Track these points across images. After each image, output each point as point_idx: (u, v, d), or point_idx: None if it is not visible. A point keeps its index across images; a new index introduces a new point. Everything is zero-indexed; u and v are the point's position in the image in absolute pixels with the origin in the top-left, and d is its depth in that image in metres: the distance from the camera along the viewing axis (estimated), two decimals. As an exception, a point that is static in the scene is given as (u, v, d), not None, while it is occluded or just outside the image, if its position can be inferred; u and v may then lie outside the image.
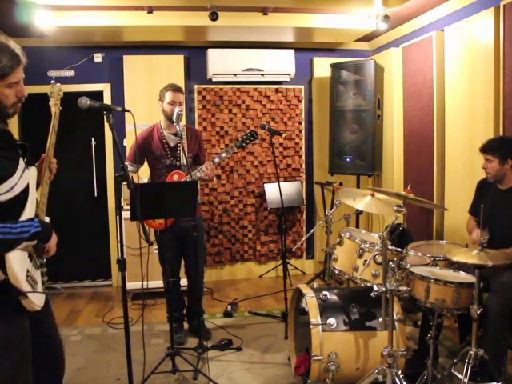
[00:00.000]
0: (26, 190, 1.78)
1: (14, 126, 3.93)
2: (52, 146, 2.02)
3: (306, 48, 5.19)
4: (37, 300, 1.76)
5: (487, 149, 2.85)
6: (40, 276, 1.84)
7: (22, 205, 1.75)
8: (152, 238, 2.97)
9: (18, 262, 1.66)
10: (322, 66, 5.13)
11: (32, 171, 1.89)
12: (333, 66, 4.86)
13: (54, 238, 1.88)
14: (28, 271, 1.72)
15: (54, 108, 2.07)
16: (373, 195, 2.98)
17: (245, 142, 3.41)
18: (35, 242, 1.73)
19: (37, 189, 1.93)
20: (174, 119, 3.18)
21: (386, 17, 4.07)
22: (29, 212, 1.77)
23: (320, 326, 2.54)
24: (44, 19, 3.86)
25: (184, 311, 3.67)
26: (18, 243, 1.64)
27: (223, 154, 3.37)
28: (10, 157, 1.72)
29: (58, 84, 2.12)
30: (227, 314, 4.03)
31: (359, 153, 4.69)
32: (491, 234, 2.56)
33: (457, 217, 3.70)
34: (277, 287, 4.80)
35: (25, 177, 1.77)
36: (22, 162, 1.77)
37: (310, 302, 2.63)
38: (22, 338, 1.77)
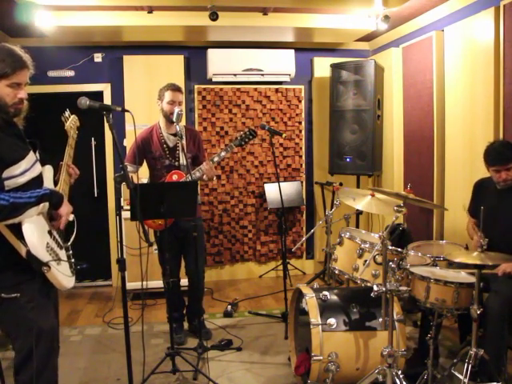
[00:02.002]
0: (39, 178, 1.95)
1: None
2: (70, 157, 2.20)
3: (306, 48, 5.19)
4: (63, 271, 1.92)
5: (507, 159, 2.74)
6: (66, 257, 2.02)
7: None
8: (152, 238, 2.99)
9: (36, 233, 1.81)
10: (322, 66, 5.13)
11: (47, 168, 2.07)
12: (333, 66, 4.86)
13: (66, 206, 2.02)
14: (48, 244, 1.86)
15: (70, 130, 2.23)
16: (373, 195, 2.98)
17: (243, 140, 3.41)
18: (47, 206, 1.88)
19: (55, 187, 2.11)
20: (174, 119, 3.17)
21: (386, 17, 4.06)
22: None
23: (320, 326, 2.54)
24: (44, 19, 3.86)
25: (184, 311, 3.67)
26: (28, 206, 1.78)
27: (222, 153, 3.36)
28: (16, 143, 1.87)
29: (73, 115, 2.27)
30: (227, 314, 4.02)
31: (359, 153, 4.69)
32: (491, 234, 2.55)
33: (457, 217, 3.70)
34: (277, 287, 4.80)
35: (37, 166, 1.94)
36: (32, 154, 1.93)
37: (310, 302, 2.63)
38: (53, 327, 1.95)
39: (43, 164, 2.03)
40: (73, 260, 2.09)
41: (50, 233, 1.93)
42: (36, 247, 1.78)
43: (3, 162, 1.77)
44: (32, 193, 1.82)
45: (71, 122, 2.25)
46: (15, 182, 1.81)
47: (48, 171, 2.08)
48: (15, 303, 1.85)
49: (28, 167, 1.86)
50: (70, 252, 2.09)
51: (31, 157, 1.90)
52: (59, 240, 2.00)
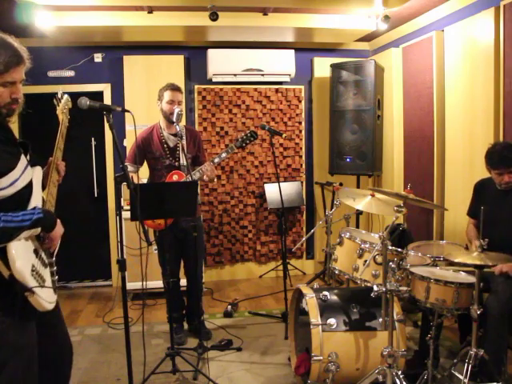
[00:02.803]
0: (29, 186, 1.75)
1: (14, 125, 3.93)
2: (60, 150, 2.00)
3: (306, 48, 5.19)
4: (46, 298, 1.71)
5: (511, 162, 2.72)
6: (49, 275, 1.80)
7: (26, 201, 1.72)
8: (152, 238, 2.99)
9: (22, 256, 1.61)
10: (322, 66, 5.13)
11: (37, 170, 1.86)
12: (333, 66, 4.86)
13: (59, 229, 1.82)
14: (33, 266, 1.67)
15: (62, 116, 2.05)
16: (373, 195, 2.97)
17: (245, 142, 3.41)
18: (38, 230, 1.70)
19: (43, 189, 1.90)
20: (174, 119, 3.18)
21: (386, 17, 4.07)
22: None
23: (320, 327, 2.54)
24: (44, 19, 3.87)
25: (184, 311, 3.67)
26: (19, 231, 1.60)
27: (223, 154, 3.36)
28: (8, 151, 1.68)
29: (65, 96, 2.10)
30: (227, 315, 4.02)
31: (359, 153, 4.69)
32: (491, 234, 2.55)
33: (457, 217, 3.70)
34: (277, 287, 4.80)
35: (27, 173, 1.74)
36: (23, 159, 1.74)
37: (310, 302, 2.63)
38: (29, 343, 1.75)
39: (33, 165, 1.84)
40: (56, 277, 1.87)
41: (35, 251, 1.73)
42: (20, 273, 1.58)
43: None
44: (24, 215, 1.62)
45: (64, 104, 2.03)
46: (3, 195, 1.62)
47: (38, 173, 1.87)
48: None
49: (18, 176, 1.67)
50: (55, 268, 1.86)
51: (22, 163, 1.72)
52: (44, 258, 1.80)
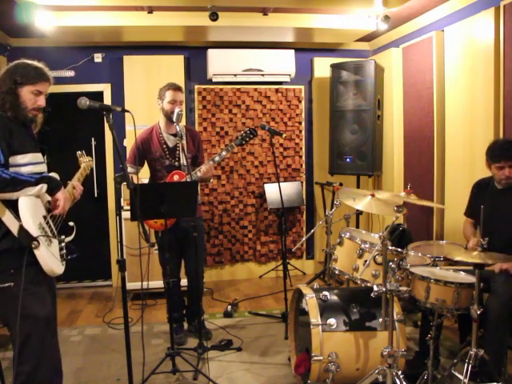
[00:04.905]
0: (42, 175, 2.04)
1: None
2: (79, 180, 2.40)
3: (306, 48, 5.19)
4: (53, 252, 2.00)
5: None
6: (57, 243, 2.10)
7: None
8: (152, 238, 2.99)
9: (31, 210, 1.92)
10: (322, 67, 5.13)
11: (52, 175, 2.16)
12: (333, 66, 4.86)
13: (63, 192, 2.11)
14: (41, 224, 1.95)
15: (83, 165, 2.51)
16: (373, 195, 2.97)
17: (244, 139, 3.41)
18: (45, 188, 1.98)
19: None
20: (174, 119, 3.18)
21: (386, 17, 4.07)
22: None
23: (320, 327, 2.54)
24: (44, 19, 3.86)
25: (184, 311, 3.67)
26: (26, 183, 1.91)
27: (223, 153, 3.36)
28: (29, 140, 2.06)
29: (89, 157, 2.58)
30: (227, 315, 4.02)
31: (359, 153, 4.70)
32: (491, 233, 2.55)
33: (457, 217, 3.69)
34: (277, 287, 4.80)
35: (41, 166, 2.09)
36: (40, 156, 2.10)
37: (310, 303, 2.63)
38: (50, 315, 2.02)
39: (49, 171, 2.17)
40: (64, 251, 2.15)
41: (44, 217, 2.02)
42: (28, 221, 1.88)
43: (11, 148, 1.93)
44: (33, 174, 1.96)
45: (85, 160, 2.55)
46: (18, 171, 1.94)
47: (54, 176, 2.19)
48: (10, 292, 1.90)
49: (33, 161, 2.00)
50: (63, 245, 2.16)
51: (38, 156, 2.07)
52: (53, 229, 2.08)
